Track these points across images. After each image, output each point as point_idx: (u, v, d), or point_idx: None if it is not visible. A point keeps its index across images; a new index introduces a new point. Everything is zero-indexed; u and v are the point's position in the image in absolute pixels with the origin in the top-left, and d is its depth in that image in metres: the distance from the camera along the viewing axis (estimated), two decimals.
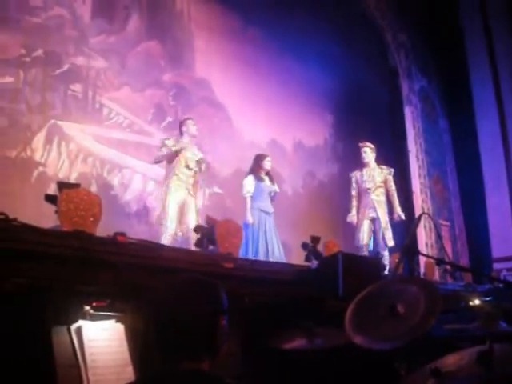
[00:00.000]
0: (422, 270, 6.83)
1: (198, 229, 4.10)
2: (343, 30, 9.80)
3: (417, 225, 3.71)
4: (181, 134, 5.88)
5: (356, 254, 5.76)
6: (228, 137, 8.39)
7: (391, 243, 6.58)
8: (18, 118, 5.95)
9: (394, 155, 11.13)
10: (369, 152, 6.91)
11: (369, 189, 6.75)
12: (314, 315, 2.57)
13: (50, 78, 6.35)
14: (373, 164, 6.91)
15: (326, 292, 3.44)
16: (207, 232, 3.98)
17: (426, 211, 9.93)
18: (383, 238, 6.59)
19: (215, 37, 8.53)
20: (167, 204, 5.44)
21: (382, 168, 6.93)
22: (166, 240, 5.24)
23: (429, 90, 11.70)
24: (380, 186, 6.79)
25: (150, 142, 7.10)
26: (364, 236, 6.68)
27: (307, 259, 4.85)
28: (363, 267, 3.74)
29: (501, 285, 5.57)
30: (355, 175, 6.96)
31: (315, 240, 5.17)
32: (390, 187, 6.86)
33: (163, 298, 1.51)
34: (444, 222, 10.92)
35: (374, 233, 6.72)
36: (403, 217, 6.78)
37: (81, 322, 2.05)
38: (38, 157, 6.07)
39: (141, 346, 2.15)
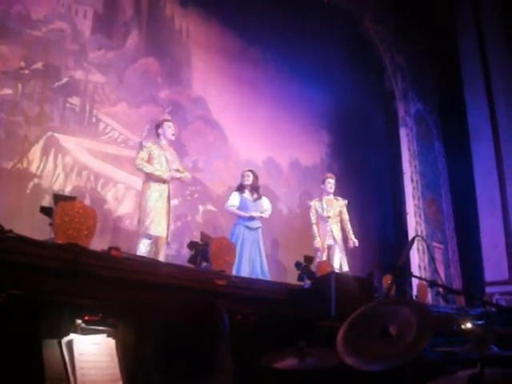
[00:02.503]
0: (415, 293, 6.83)
1: (192, 245, 4.09)
2: (341, 51, 9.91)
3: (410, 247, 3.72)
4: (157, 135, 5.67)
5: (349, 275, 5.77)
6: (223, 155, 8.42)
7: (346, 268, 7.02)
8: (15, 129, 5.96)
9: (388, 177, 11.20)
10: (333, 183, 7.33)
11: (328, 217, 7.16)
12: (306, 335, 2.56)
13: (48, 91, 6.38)
14: (331, 195, 7.34)
15: (319, 312, 3.43)
16: (201, 249, 3.98)
17: (419, 233, 9.95)
18: (340, 263, 7.00)
19: (213, 56, 8.60)
20: (148, 211, 5.26)
21: (337, 199, 7.36)
22: (144, 248, 5.14)
23: (424, 113, 11.79)
24: (336, 215, 7.23)
25: None
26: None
27: (300, 279, 4.85)
28: (356, 288, 3.74)
29: (493, 309, 5.58)
30: (314, 204, 7.36)
31: (308, 260, 5.17)
32: (344, 216, 7.30)
33: (168, 316, 1.49)
34: (437, 245, 10.93)
35: (331, 258, 7.06)
36: (357, 244, 7.23)
37: (72, 336, 2.04)
38: (34, 168, 6.07)
39: (131, 362, 2.13)
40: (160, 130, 5.63)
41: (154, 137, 5.77)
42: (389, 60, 11.08)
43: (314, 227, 7.18)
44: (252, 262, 6.16)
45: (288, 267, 6.92)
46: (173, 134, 5.71)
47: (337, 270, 6.66)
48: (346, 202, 7.40)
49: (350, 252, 8.05)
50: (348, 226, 7.25)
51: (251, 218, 6.39)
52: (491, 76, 10.76)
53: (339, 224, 7.22)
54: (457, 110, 11.23)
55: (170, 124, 5.69)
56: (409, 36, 11.45)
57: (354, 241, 7.18)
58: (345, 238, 7.22)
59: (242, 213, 6.41)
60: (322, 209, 7.21)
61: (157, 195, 5.34)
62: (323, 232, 7.15)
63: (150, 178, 5.38)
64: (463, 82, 11.08)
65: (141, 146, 5.44)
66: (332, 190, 7.28)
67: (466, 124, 10.88)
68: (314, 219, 7.24)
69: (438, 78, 12.02)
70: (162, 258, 5.16)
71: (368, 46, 10.83)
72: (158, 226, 5.27)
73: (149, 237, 5.24)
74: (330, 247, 7.11)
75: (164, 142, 5.61)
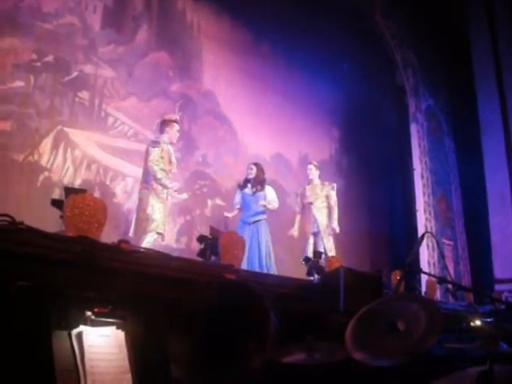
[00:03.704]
0: (424, 289, 6.81)
1: (201, 239, 4.10)
2: (352, 47, 9.86)
3: (420, 243, 3.72)
4: (161, 132, 5.61)
5: (358, 270, 5.75)
6: (232, 149, 8.43)
7: (332, 253, 6.84)
8: (26, 122, 5.99)
9: (398, 173, 11.15)
10: (313, 169, 7.28)
11: (310, 203, 7.08)
12: (315, 330, 2.56)
13: (59, 84, 6.41)
14: (316, 181, 7.25)
15: (327, 307, 3.43)
16: (211, 243, 3.99)
17: (429, 230, 9.92)
18: (324, 249, 6.84)
19: (224, 50, 8.59)
20: (150, 207, 5.26)
21: (324, 184, 7.27)
22: (148, 244, 5.12)
23: (435, 109, 11.73)
24: (322, 201, 7.11)
25: None
26: (310, 248, 6.93)
27: (309, 273, 4.85)
28: (365, 283, 3.74)
29: (502, 306, 5.54)
30: (300, 192, 7.35)
31: (317, 255, 5.17)
32: (331, 201, 7.16)
33: (211, 307, 1.41)
34: (447, 242, 10.89)
35: (317, 245, 6.98)
36: (337, 230, 7.07)
37: (82, 328, 2.05)
38: (44, 161, 6.10)
39: (140, 354, 2.14)
40: (167, 128, 5.57)
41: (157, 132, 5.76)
42: (400, 56, 11.02)
43: (298, 216, 7.18)
44: (250, 256, 6.16)
45: (297, 262, 6.92)
46: (176, 139, 5.71)
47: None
48: (335, 185, 7.31)
49: (359, 248, 8.03)
50: (334, 211, 7.10)
51: (247, 213, 6.45)
52: (503, 71, 10.67)
53: (326, 210, 7.09)
54: (468, 106, 11.17)
55: (178, 127, 5.68)
56: (420, 31, 11.38)
57: (334, 227, 7.02)
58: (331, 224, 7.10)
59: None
60: (305, 196, 7.18)
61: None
62: (307, 219, 7.09)
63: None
64: (474, 78, 11.00)
65: (150, 153, 5.36)
66: (312, 177, 7.22)
67: (476, 120, 10.81)
68: (298, 208, 7.27)
69: (449, 73, 11.94)
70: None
71: (379, 41, 10.79)
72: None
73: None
74: (315, 234, 7.04)
75: (165, 139, 5.55)
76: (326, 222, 7.07)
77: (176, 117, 5.82)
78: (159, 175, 5.29)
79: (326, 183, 7.28)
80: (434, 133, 11.46)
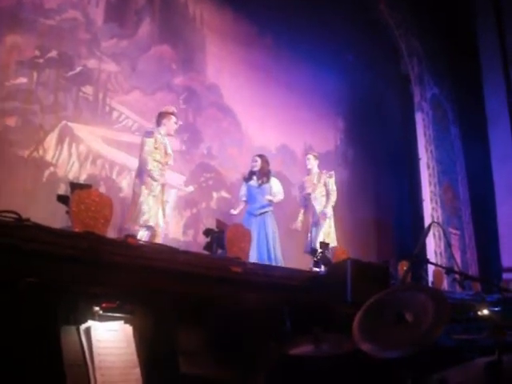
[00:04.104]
0: (431, 279, 6.81)
1: (208, 232, 4.10)
2: (356, 37, 9.80)
3: (427, 234, 3.70)
4: (158, 124, 5.56)
5: (365, 261, 5.75)
6: (237, 141, 8.42)
7: (334, 243, 6.66)
8: (30, 118, 5.99)
9: (404, 163, 11.12)
10: (312, 159, 7.20)
11: (308, 194, 7.02)
12: (322, 321, 2.57)
13: (62, 80, 6.40)
14: (315, 170, 7.15)
15: (335, 298, 3.44)
16: (217, 236, 3.99)
17: (435, 219, 9.90)
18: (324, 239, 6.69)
19: (227, 42, 8.56)
20: (142, 199, 5.19)
21: (322, 172, 7.15)
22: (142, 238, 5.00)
23: (441, 98, 11.66)
24: (321, 191, 7.01)
25: None
26: (312, 240, 6.82)
27: (316, 265, 4.85)
28: (372, 274, 3.73)
29: (510, 295, 5.52)
30: (299, 184, 7.32)
31: (324, 246, 5.16)
32: (328, 188, 7.04)
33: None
34: (454, 231, 10.86)
35: (317, 235, 6.84)
36: (328, 215, 6.89)
37: (90, 323, 2.06)
38: (49, 157, 6.11)
39: (148, 348, 2.15)
40: (164, 121, 5.54)
41: (181, 135, 5.72)
42: (404, 44, 10.96)
43: (301, 210, 7.11)
44: (258, 247, 6.17)
45: (302, 254, 6.92)
46: (174, 131, 5.68)
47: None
48: (332, 172, 7.17)
49: (365, 239, 8.02)
50: (330, 197, 6.96)
51: (254, 205, 6.44)
52: (509, 63, 10.59)
53: (324, 198, 6.98)
54: (473, 94, 11.10)
55: (176, 120, 5.64)
56: (424, 20, 11.30)
57: (325, 211, 6.85)
58: (334, 213, 7.00)
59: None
60: (304, 188, 7.14)
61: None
62: (308, 210, 7.02)
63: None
64: (481, 66, 10.93)
65: (144, 143, 5.32)
66: (311, 167, 7.13)
67: (483, 109, 10.75)
68: (299, 200, 7.24)
69: (454, 62, 11.86)
70: None
71: (383, 30, 10.72)
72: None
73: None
74: (315, 224, 6.93)
75: (162, 132, 5.51)
76: (322, 209, 6.96)
77: (173, 109, 5.77)
78: (149, 166, 5.22)
79: (324, 171, 7.16)
80: (439, 121, 11.40)
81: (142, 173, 5.31)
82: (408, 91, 11.16)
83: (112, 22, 7.08)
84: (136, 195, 5.27)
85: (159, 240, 5.29)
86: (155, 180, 5.24)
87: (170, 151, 5.49)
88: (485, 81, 10.81)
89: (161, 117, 5.59)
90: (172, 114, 5.64)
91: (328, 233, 6.83)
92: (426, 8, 11.14)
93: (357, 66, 10.09)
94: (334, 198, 7.00)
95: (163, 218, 5.42)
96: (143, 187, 5.23)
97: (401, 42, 10.93)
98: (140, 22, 7.45)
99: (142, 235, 5.10)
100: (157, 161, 5.32)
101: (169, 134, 5.60)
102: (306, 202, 7.09)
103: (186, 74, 7.94)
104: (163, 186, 5.41)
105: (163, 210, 5.42)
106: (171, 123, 5.58)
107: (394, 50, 11.02)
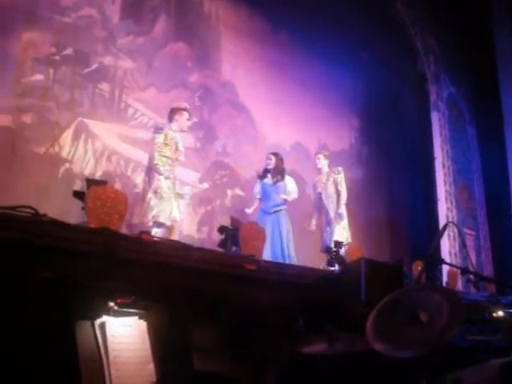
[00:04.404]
0: (445, 279, 6.76)
1: (222, 230, 4.12)
2: (372, 34, 9.74)
3: (442, 234, 3.68)
4: (170, 120, 5.55)
5: (379, 261, 5.73)
6: (252, 139, 8.41)
7: (348, 241, 6.69)
8: (46, 114, 6.04)
9: (419, 162, 11.04)
10: (322, 159, 7.16)
11: (319, 193, 7.02)
12: (336, 320, 2.56)
13: (78, 77, 6.44)
14: (325, 169, 7.12)
15: (349, 297, 3.43)
16: (231, 233, 4.00)
17: (450, 219, 9.82)
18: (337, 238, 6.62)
19: (243, 39, 8.56)
20: (150, 196, 5.17)
21: (331, 171, 7.10)
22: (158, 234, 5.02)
23: (457, 97, 11.56)
24: (332, 188, 6.98)
25: None
26: (327, 238, 6.79)
27: (330, 264, 4.84)
28: (386, 274, 3.71)
29: None
30: (312, 184, 7.32)
31: (338, 244, 5.15)
32: (338, 186, 6.98)
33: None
34: (469, 231, 10.77)
35: (333, 234, 6.77)
36: (343, 215, 6.86)
37: (104, 318, 2.08)
38: (65, 153, 6.15)
39: (162, 344, 2.16)
40: (176, 116, 5.52)
41: (196, 132, 5.72)
42: (421, 43, 10.88)
43: (315, 211, 7.08)
44: (272, 245, 6.16)
45: (316, 252, 6.90)
46: (187, 127, 5.67)
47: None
48: (340, 168, 7.13)
49: (378, 237, 7.97)
50: (340, 196, 6.90)
51: (268, 203, 6.44)
52: None
53: (335, 196, 6.94)
54: (490, 94, 10.98)
55: (188, 116, 5.61)
56: (441, 18, 11.21)
57: (339, 212, 6.83)
58: (347, 211, 6.96)
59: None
60: (316, 187, 7.13)
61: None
62: (321, 209, 7.01)
63: None
64: (497, 65, 10.81)
65: (154, 138, 5.34)
66: (321, 166, 7.10)
67: (499, 108, 10.64)
68: (314, 200, 7.22)
69: (470, 61, 11.75)
70: None
71: (399, 29, 10.65)
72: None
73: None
74: (328, 223, 6.90)
75: (174, 128, 5.50)
76: (335, 208, 6.93)
77: (185, 105, 5.74)
78: (156, 161, 5.21)
79: (333, 169, 7.12)
80: (455, 121, 11.30)
81: (150, 168, 5.33)
82: (424, 90, 11.08)
83: (128, 19, 7.11)
84: (145, 191, 5.29)
85: (176, 234, 5.30)
86: (161, 174, 5.21)
87: (181, 147, 5.46)
88: (501, 84, 10.69)
89: (173, 113, 5.58)
90: (184, 109, 5.62)
91: (342, 232, 6.80)
92: (442, 6, 11.04)
93: (372, 64, 10.04)
94: (344, 195, 6.96)
95: (178, 214, 5.41)
96: (153, 181, 5.22)
97: (417, 40, 10.85)
98: (156, 19, 7.47)
99: (156, 232, 5.10)
100: (166, 156, 5.30)
101: (182, 130, 5.59)
102: (319, 202, 7.07)
103: (201, 72, 7.95)
104: (174, 181, 5.40)
105: (177, 204, 5.41)
106: (183, 119, 5.56)
107: (410, 48, 10.94)
